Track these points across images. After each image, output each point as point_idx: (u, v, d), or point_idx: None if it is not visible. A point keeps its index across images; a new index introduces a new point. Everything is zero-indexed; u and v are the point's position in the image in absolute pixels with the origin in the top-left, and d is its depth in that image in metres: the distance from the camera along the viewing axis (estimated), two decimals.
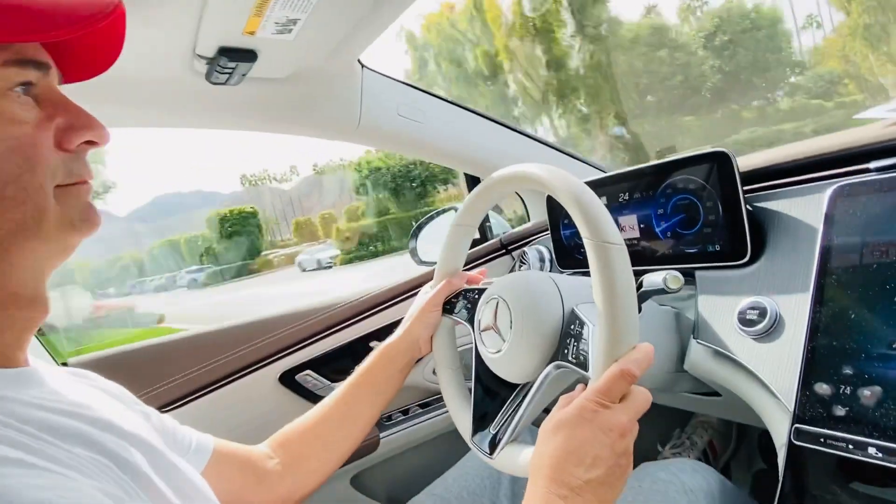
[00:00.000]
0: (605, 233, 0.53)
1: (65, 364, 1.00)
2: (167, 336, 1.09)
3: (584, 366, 0.57)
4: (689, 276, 0.77)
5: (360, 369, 0.77)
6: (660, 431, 1.31)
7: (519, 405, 0.67)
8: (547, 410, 0.76)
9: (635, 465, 0.79)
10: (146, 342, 1.06)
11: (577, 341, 0.60)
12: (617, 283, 0.52)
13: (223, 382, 1.06)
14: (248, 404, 1.07)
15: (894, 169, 0.62)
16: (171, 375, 1.02)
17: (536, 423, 0.73)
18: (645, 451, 1.25)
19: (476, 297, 0.77)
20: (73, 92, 0.45)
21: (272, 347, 1.11)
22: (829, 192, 0.63)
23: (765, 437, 0.89)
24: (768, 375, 0.63)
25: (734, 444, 1.28)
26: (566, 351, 0.61)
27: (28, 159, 0.38)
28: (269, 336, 1.11)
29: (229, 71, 0.74)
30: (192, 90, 0.82)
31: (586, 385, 0.54)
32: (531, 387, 0.66)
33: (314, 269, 19.99)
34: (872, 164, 0.64)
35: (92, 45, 0.44)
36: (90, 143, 0.42)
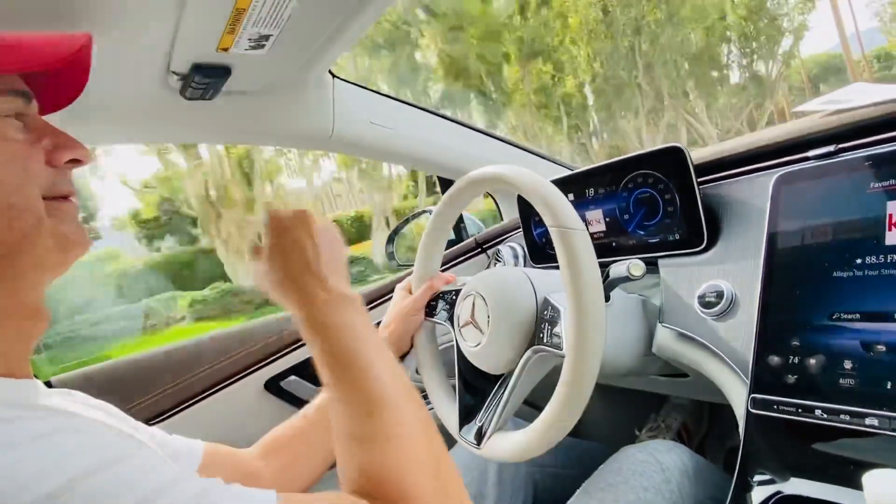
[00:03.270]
0: (567, 219, 0.58)
1: (48, 383, 1.00)
2: (151, 349, 1.09)
3: (559, 346, 0.61)
4: (653, 265, 0.82)
5: None
6: (636, 416, 1.36)
7: (502, 395, 0.71)
8: (527, 402, 0.80)
9: (615, 450, 0.83)
10: (131, 356, 1.07)
11: (552, 325, 0.64)
12: (580, 262, 0.56)
13: (209, 392, 1.07)
14: (234, 413, 1.08)
15: (830, 157, 0.67)
16: (158, 388, 1.03)
17: (518, 412, 0.77)
18: (623, 436, 1.30)
19: (454, 297, 0.80)
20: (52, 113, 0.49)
21: (257, 355, 1.12)
22: (773, 179, 0.68)
23: None
24: (727, 351, 0.68)
25: (707, 424, 1.34)
26: (542, 335, 0.65)
27: (25, 170, 0.42)
28: (253, 344, 1.13)
29: (203, 86, 0.76)
30: (166, 106, 0.83)
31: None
32: (512, 375, 0.69)
33: None
34: (811, 153, 0.70)
35: (66, 76, 0.48)
36: (75, 161, 0.46)
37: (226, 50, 0.69)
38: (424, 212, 1.41)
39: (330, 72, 0.96)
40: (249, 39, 0.68)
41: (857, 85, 0.78)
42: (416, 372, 1.23)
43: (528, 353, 0.66)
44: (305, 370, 1.16)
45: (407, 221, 1.42)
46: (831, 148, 0.68)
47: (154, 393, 1.04)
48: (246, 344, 1.12)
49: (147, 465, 0.35)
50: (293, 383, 1.14)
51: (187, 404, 1.05)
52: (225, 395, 1.08)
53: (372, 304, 1.18)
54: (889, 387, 0.52)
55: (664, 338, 0.78)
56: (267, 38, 0.68)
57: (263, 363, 1.13)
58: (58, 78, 0.48)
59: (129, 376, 1.04)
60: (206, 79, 0.74)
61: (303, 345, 1.16)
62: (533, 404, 1.14)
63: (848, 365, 0.55)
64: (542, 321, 0.66)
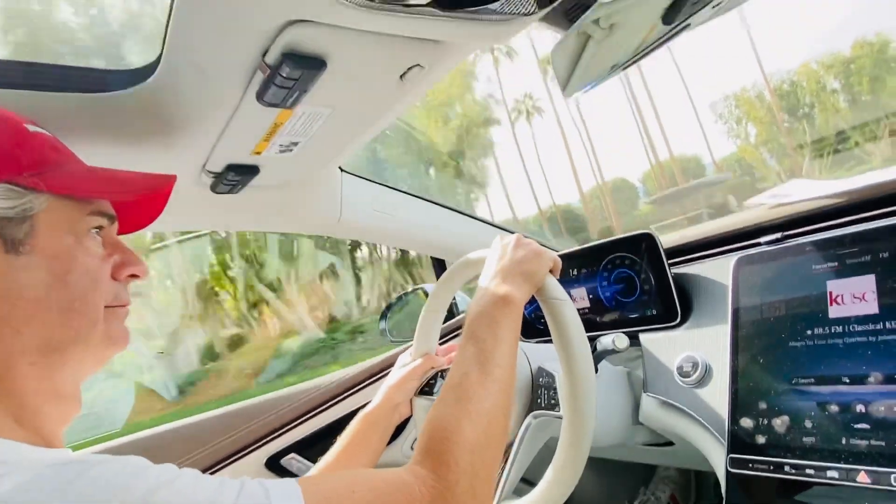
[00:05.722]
0: (553, 291, 0.67)
1: None
2: (154, 429, 1.11)
3: (556, 408, 0.68)
4: (635, 339, 0.91)
5: (344, 437, 0.83)
6: (626, 490, 1.39)
7: (503, 465, 0.76)
8: (524, 480, 0.84)
9: None
10: (133, 436, 1.08)
11: (548, 390, 0.71)
12: (568, 327, 0.64)
13: (211, 471, 1.08)
14: None
15: (779, 242, 0.79)
16: None
17: (515, 490, 0.82)
18: None
19: None
20: None
21: (257, 433, 1.15)
22: (733, 261, 0.79)
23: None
24: (706, 416, 0.75)
25: (695, 495, 1.38)
26: (539, 401, 0.72)
27: (94, 282, 0.50)
28: (253, 422, 1.15)
29: (233, 183, 0.86)
30: (195, 199, 0.92)
31: None
32: (513, 445, 0.75)
33: None
34: (763, 239, 0.81)
35: (145, 206, 0.59)
36: (134, 275, 0.55)
37: (259, 154, 0.80)
38: (419, 289, 1.48)
39: (339, 167, 1.07)
40: (280, 145, 0.79)
41: (795, 181, 0.92)
42: (411, 448, 1.26)
43: (528, 419, 0.73)
44: (304, 448, 1.18)
45: (401, 298, 1.50)
46: (778, 235, 0.80)
47: None
48: (247, 422, 1.15)
49: (195, 479, 0.41)
50: (293, 461, 1.16)
51: None
52: (227, 473, 1.09)
53: (374, 377, 1.23)
54: (843, 442, 0.60)
55: (649, 407, 0.85)
56: (296, 143, 0.79)
57: (264, 441, 1.15)
58: (138, 206, 0.58)
59: (133, 454, 1.05)
60: (236, 177, 0.84)
61: (302, 422, 1.19)
62: (529, 481, 1.17)
63: (808, 424, 0.63)
64: (539, 387, 0.73)
